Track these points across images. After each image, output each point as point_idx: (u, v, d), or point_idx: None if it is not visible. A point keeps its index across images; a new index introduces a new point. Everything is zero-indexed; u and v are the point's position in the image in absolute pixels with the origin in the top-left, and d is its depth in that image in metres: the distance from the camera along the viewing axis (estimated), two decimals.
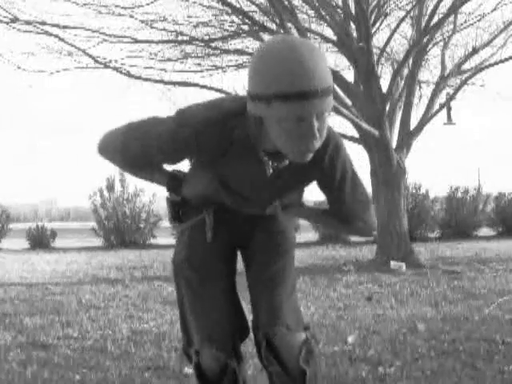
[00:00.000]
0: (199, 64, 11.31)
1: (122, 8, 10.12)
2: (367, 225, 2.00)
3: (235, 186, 1.90)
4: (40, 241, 13.66)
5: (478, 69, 10.48)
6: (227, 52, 10.97)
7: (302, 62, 1.51)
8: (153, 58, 10.90)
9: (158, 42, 10.65)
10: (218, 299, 1.99)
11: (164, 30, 10.40)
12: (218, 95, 11.15)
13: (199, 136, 1.72)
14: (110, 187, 13.86)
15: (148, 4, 10.16)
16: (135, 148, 1.81)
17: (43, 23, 9.87)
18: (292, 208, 2.00)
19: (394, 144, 9.69)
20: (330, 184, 1.88)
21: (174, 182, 1.92)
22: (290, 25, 8.50)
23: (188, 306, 2.02)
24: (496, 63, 10.34)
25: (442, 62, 10.61)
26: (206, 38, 10.66)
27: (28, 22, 9.77)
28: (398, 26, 10.09)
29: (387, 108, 9.63)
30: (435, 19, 9.12)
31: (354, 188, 1.90)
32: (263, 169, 1.80)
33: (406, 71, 10.22)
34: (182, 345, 2.10)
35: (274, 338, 1.94)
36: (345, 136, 10.20)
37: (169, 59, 11.01)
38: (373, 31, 9.73)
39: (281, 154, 1.72)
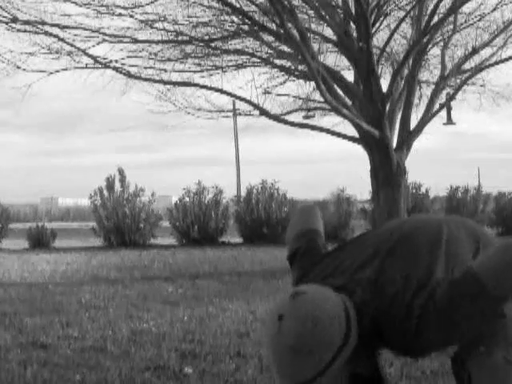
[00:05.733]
0: (199, 64, 11.30)
1: (122, 8, 10.12)
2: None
3: None
4: (40, 241, 13.65)
5: (478, 69, 10.48)
6: (227, 52, 10.96)
7: (273, 355, 1.68)
8: (153, 58, 10.90)
9: (158, 42, 10.64)
10: None
11: (164, 29, 10.39)
12: (217, 95, 11.16)
13: None
14: (110, 187, 13.85)
15: (148, 4, 10.16)
16: None
17: (43, 23, 9.87)
18: None
19: (394, 144, 9.69)
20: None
21: None
22: (290, 25, 8.50)
23: None
24: (496, 63, 10.34)
25: (442, 62, 10.60)
26: (206, 38, 10.66)
27: (27, 22, 9.77)
28: (398, 26, 10.09)
29: (387, 108, 9.63)
30: (435, 19, 9.12)
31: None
32: None
33: (405, 71, 10.22)
34: None
35: None
36: (345, 136, 10.21)
37: (169, 59, 11.00)
38: (373, 31, 9.72)
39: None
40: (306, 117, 12.43)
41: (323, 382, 1.70)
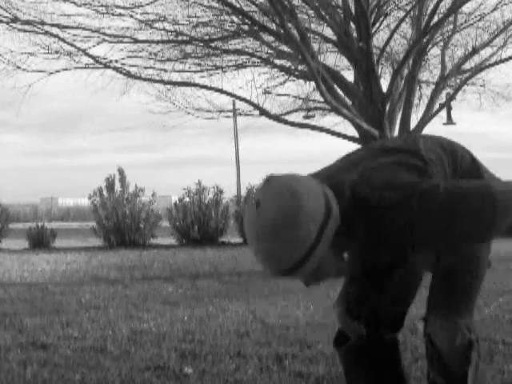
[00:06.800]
0: (199, 64, 11.31)
1: (122, 8, 10.13)
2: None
3: None
4: (40, 241, 13.64)
5: (478, 69, 10.49)
6: (227, 52, 10.97)
7: (256, 243, 1.62)
8: (153, 58, 10.91)
9: (158, 42, 10.66)
10: None
11: (164, 30, 10.41)
12: (217, 95, 11.17)
13: None
14: (110, 187, 13.84)
15: (148, 4, 10.17)
16: None
17: (43, 23, 9.88)
18: None
19: None
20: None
21: None
22: (290, 25, 8.50)
23: None
24: (496, 63, 10.35)
25: (442, 62, 10.61)
26: (206, 38, 10.67)
27: (27, 22, 9.78)
28: (397, 26, 10.11)
29: (387, 108, 9.64)
30: (435, 19, 9.13)
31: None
32: None
33: (405, 71, 10.22)
34: None
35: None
36: (345, 136, 10.21)
37: (169, 59, 11.01)
38: (373, 31, 9.74)
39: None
40: (306, 117, 12.43)
41: (315, 266, 1.65)
